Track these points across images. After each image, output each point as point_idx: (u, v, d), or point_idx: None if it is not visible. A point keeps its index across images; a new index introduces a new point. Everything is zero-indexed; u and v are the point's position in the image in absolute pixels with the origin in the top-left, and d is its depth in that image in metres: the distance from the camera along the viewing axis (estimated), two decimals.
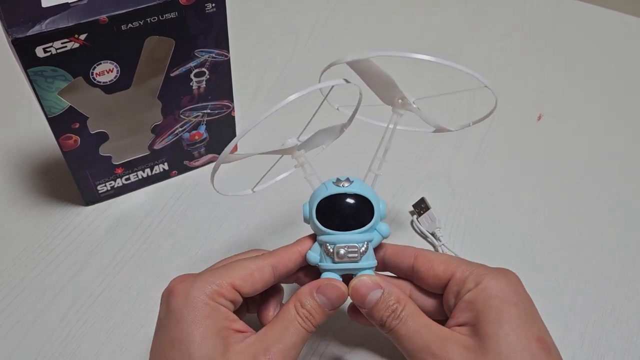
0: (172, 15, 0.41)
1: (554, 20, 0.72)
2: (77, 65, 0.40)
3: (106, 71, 0.42)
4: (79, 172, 0.48)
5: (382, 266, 0.40)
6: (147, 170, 0.52)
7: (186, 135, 0.51)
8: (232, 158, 0.37)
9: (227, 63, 0.47)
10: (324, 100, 0.41)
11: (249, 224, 0.51)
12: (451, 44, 0.69)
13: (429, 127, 0.43)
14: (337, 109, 0.45)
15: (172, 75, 0.45)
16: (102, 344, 0.43)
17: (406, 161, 0.56)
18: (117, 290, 0.46)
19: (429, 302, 0.39)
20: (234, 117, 0.52)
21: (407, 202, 0.52)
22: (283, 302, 0.40)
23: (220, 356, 0.33)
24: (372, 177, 0.39)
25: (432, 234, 0.50)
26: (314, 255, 0.37)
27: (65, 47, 0.39)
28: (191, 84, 0.47)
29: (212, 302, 0.34)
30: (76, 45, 0.39)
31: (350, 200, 0.37)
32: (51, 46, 0.38)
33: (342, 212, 0.37)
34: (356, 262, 0.36)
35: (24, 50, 0.38)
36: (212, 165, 0.48)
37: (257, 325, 0.36)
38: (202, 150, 0.53)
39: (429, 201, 0.50)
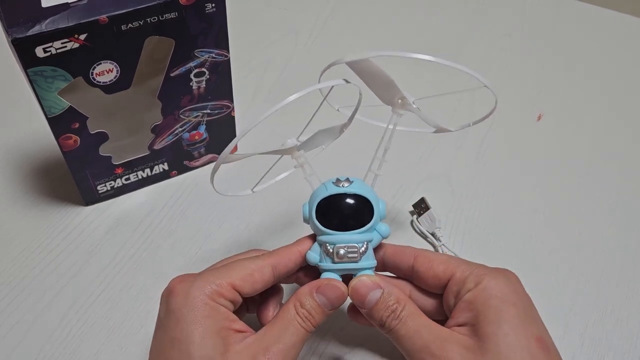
0: (172, 15, 0.41)
1: (554, 20, 0.72)
2: (77, 65, 0.40)
3: (106, 71, 0.42)
4: (78, 172, 0.48)
5: (381, 266, 0.40)
6: (147, 170, 0.52)
7: (186, 135, 0.51)
8: (232, 158, 0.37)
9: (227, 63, 0.47)
10: (323, 100, 0.41)
11: (248, 224, 0.51)
12: (451, 44, 0.69)
13: (429, 127, 0.43)
14: (337, 109, 0.45)
15: (172, 75, 0.45)
16: (102, 344, 0.43)
17: (406, 161, 0.56)
18: (117, 290, 0.46)
19: (429, 302, 0.39)
20: (234, 117, 0.52)
21: (407, 202, 0.52)
22: (283, 302, 0.40)
23: (220, 356, 0.33)
24: (371, 177, 0.39)
25: (432, 234, 0.50)
26: (314, 255, 0.37)
27: (65, 47, 0.39)
28: (191, 84, 0.47)
29: (211, 302, 0.34)
30: (76, 45, 0.39)
31: (349, 201, 0.37)
32: (51, 46, 0.38)
33: (342, 212, 0.37)
34: (356, 262, 0.36)
35: (24, 50, 0.38)
36: (212, 165, 0.48)
37: (257, 325, 0.36)
38: (202, 150, 0.53)
39: (429, 201, 0.50)
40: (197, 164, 0.55)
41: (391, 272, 0.40)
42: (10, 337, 0.43)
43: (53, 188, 0.53)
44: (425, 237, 0.50)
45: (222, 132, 0.53)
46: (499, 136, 0.59)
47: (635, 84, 0.65)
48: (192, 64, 0.46)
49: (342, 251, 0.36)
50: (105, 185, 0.51)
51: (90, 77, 0.42)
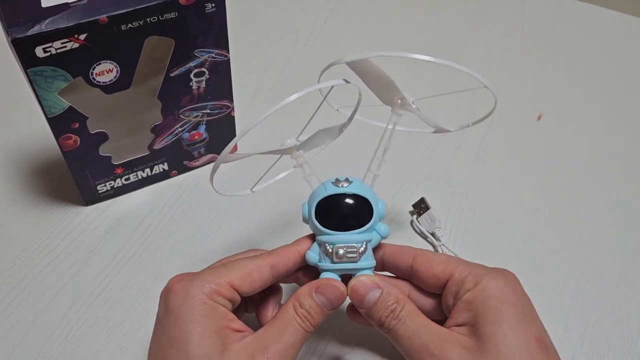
0: (172, 15, 0.41)
1: (554, 20, 0.72)
2: (77, 65, 0.41)
3: (106, 71, 0.42)
4: (78, 172, 0.48)
5: (381, 266, 0.40)
6: (147, 170, 0.52)
7: (186, 135, 0.51)
8: (231, 158, 0.37)
9: (227, 63, 0.47)
10: (323, 100, 0.41)
11: (248, 224, 0.51)
12: (451, 44, 0.69)
13: (429, 127, 0.43)
14: (337, 109, 0.45)
15: (172, 75, 0.45)
16: (102, 344, 0.43)
17: (406, 161, 0.56)
18: (117, 290, 0.46)
19: (428, 302, 0.39)
20: (233, 117, 0.52)
21: (407, 202, 0.52)
22: (282, 302, 0.40)
23: (218, 355, 0.33)
24: (371, 177, 0.39)
25: (432, 234, 0.50)
26: (313, 255, 0.37)
27: (65, 47, 0.39)
28: (191, 84, 0.47)
29: (210, 301, 0.34)
30: (76, 45, 0.39)
31: (349, 201, 0.37)
32: (51, 46, 0.38)
33: (341, 212, 0.37)
34: (355, 262, 0.36)
35: (23, 50, 0.38)
36: (211, 165, 0.48)
37: (256, 325, 0.36)
38: (202, 150, 0.53)
39: (429, 201, 0.50)
40: (197, 164, 0.55)
41: (390, 272, 0.40)
42: (10, 337, 0.44)
43: (53, 188, 0.53)
44: (425, 237, 0.50)
45: (222, 132, 0.53)
46: (498, 136, 0.59)
47: (635, 84, 0.65)
48: (192, 64, 0.46)
49: (341, 251, 0.36)
50: (105, 185, 0.51)
51: (90, 77, 0.42)
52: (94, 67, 0.41)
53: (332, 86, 0.38)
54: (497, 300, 0.34)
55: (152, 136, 0.49)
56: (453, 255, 0.47)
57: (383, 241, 0.38)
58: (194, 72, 0.46)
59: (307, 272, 0.39)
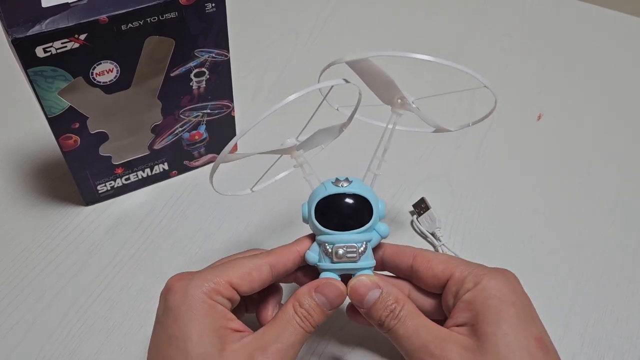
0: (172, 15, 0.41)
1: (554, 20, 0.72)
2: (77, 65, 0.41)
3: (106, 71, 0.42)
4: (79, 172, 0.48)
5: (381, 266, 0.40)
6: (147, 170, 0.52)
7: (186, 135, 0.51)
8: (231, 158, 0.37)
9: (227, 63, 0.47)
10: (323, 100, 0.41)
11: (248, 224, 0.51)
12: (451, 44, 0.69)
13: (429, 127, 0.43)
14: (337, 109, 0.45)
15: (172, 75, 0.45)
16: (102, 344, 0.43)
17: (406, 161, 0.56)
18: (117, 290, 0.46)
19: (428, 302, 0.39)
20: (233, 117, 0.52)
21: (407, 202, 0.52)
22: (282, 302, 0.40)
23: (217, 354, 0.33)
24: (371, 177, 0.39)
25: (432, 234, 0.50)
26: (313, 255, 0.37)
27: (65, 47, 0.39)
28: (191, 84, 0.47)
29: (209, 300, 0.34)
30: (76, 45, 0.39)
31: (349, 200, 0.37)
32: (51, 46, 0.38)
33: (341, 212, 0.37)
34: (355, 262, 0.36)
35: (24, 50, 0.38)
36: (212, 165, 0.48)
37: (256, 326, 0.36)
38: (202, 150, 0.53)
39: (429, 201, 0.50)
40: (197, 163, 0.55)
41: (390, 272, 0.40)
42: (10, 337, 0.44)
43: (53, 188, 0.53)
44: (425, 237, 0.50)
45: (222, 132, 0.53)
46: (498, 136, 0.59)
47: (635, 84, 0.65)
48: (192, 64, 0.46)
49: (341, 251, 0.36)
50: (105, 185, 0.51)
51: (90, 77, 0.42)
52: (94, 67, 0.41)
53: (332, 86, 0.38)
54: (497, 300, 0.34)
55: (152, 136, 0.49)
56: (453, 255, 0.47)
57: (383, 241, 0.38)
58: (194, 72, 0.46)
59: (307, 272, 0.39)
